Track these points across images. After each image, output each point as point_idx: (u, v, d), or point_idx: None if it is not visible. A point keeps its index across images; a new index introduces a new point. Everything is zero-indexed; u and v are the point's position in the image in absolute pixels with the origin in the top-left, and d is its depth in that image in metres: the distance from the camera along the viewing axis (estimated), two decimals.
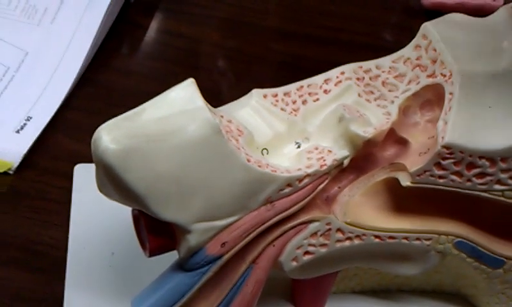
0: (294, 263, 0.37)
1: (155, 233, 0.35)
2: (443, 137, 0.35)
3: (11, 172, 0.47)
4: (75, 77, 0.52)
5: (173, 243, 0.36)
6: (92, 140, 0.34)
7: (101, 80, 0.54)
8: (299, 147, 0.38)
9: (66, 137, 0.49)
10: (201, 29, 0.59)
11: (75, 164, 0.47)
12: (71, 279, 0.40)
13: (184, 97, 0.35)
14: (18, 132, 0.49)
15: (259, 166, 0.35)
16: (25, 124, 0.49)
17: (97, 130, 0.34)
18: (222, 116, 0.36)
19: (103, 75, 0.54)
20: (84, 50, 0.54)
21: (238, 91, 0.40)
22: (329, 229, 0.37)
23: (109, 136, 0.34)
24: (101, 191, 0.36)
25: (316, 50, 0.58)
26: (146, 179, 0.34)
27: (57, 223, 0.44)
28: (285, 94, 0.39)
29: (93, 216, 0.43)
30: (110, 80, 0.54)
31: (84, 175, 0.46)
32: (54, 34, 0.55)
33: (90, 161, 0.46)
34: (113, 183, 0.34)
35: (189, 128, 0.34)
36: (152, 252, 0.36)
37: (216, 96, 0.36)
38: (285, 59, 0.58)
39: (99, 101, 0.52)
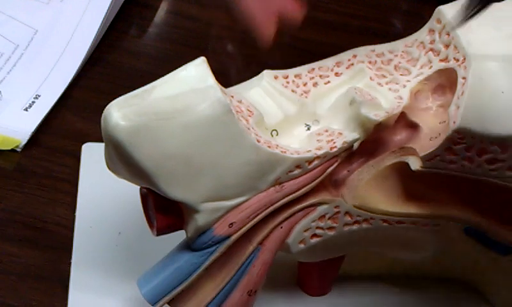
0: (302, 246, 0.37)
1: (163, 211, 0.35)
2: (454, 122, 0.35)
3: (18, 149, 0.47)
4: (84, 56, 0.52)
5: (181, 222, 0.36)
6: (102, 116, 0.34)
7: (110, 60, 0.54)
8: (308, 129, 0.38)
9: (74, 116, 0.49)
10: (211, 11, 0.59)
11: (83, 143, 0.47)
12: (77, 258, 0.40)
13: (194, 76, 0.35)
14: (26, 110, 0.49)
15: (269, 147, 0.35)
16: (33, 102, 0.49)
17: (107, 107, 0.34)
18: (232, 96, 0.36)
19: (112, 55, 0.54)
20: (93, 29, 0.53)
21: (246, 75, 0.39)
22: (338, 212, 0.37)
23: (119, 113, 0.33)
24: (109, 168, 0.36)
25: (326, 35, 0.58)
26: (155, 156, 0.34)
27: (64, 202, 0.44)
28: (296, 76, 0.38)
29: (100, 195, 0.43)
30: (119, 60, 0.54)
31: (91, 154, 0.46)
32: (64, 13, 0.55)
33: (98, 140, 0.46)
34: (122, 160, 0.34)
35: (200, 107, 0.34)
36: (160, 231, 0.36)
37: (224, 79, 0.36)
38: (295, 44, 0.57)
39: (107, 81, 0.52)
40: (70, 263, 0.40)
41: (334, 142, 0.36)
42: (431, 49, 0.38)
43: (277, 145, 0.36)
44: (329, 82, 0.38)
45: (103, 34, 0.55)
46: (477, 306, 0.41)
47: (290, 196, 0.36)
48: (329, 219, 0.37)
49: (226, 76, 0.54)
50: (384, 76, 0.38)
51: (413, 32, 0.39)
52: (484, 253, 0.39)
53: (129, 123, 0.33)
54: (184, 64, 0.36)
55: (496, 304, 0.41)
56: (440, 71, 0.37)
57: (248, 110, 0.36)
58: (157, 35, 0.57)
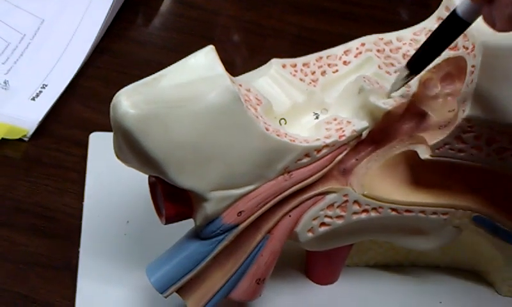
0: (310, 234, 0.37)
1: (172, 200, 0.35)
2: (464, 110, 0.35)
3: (26, 139, 0.47)
4: (90, 45, 0.52)
5: (190, 211, 0.36)
6: (111, 104, 0.34)
7: (116, 49, 0.54)
8: (317, 118, 0.38)
9: (81, 106, 0.49)
10: (217, 1, 0.59)
11: (90, 132, 0.47)
12: (86, 246, 0.41)
13: (203, 64, 0.35)
14: (33, 99, 0.49)
15: (277, 135, 0.35)
16: (40, 91, 0.49)
17: (116, 95, 0.34)
18: (240, 85, 0.36)
19: (118, 44, 0.54)
20: (100, 19, 0.53)
21: (253, 64, 0.39)
22: (346, 201, 0.37)
23: (129, 101, 0.33)
24: (118, 157, 0.36)
25: (332, 23, 0.58)
26: (164, 145, 0.34)
27: (72, 191, 0.44)
28: (304, 64, 0.38)
29: (108, 184, 0.43)
30: (125, 50, 0.54)
31: (99, 143, 0.46)
32: (71, 3, 0.55)
33: (105, 130, 0.46)
34: (131, 148, 0.34)
35: (209, 96, 0.34)
36: (168, 220, 0.36)
37: (230, 68, 0.35)
38: (301, 33, 0.57)
39: (114, 70, 0.52)
40: (78, 252, 0.40)
41: (343, 131, 0.36)
42: None
43: (286, 134, 0.36)
44: (337, 70, 0.38)
45: (109, 24, 0.55)
46: (485, 295, 0.41)
47: (299, 185, 0.36)
48: (337, 207, 0.37)
49: (233, 65, 0.54)
50: (392, 64, 0.38)
51: (419, 21, 0.39)
52: (492, 242, 0.39)
53: (138, 112, 0.33)
54: (190, 54, 0.36)
55: (504, 293, 0.41)
56: (449, 60, 0.37)
57: (257, 98, 0.36)
58: (163, 24, 0.57)
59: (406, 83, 0.36)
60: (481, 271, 0.42)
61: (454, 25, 0.33)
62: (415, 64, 0.35)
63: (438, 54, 0.35)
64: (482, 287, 0.42)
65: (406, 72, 0.35)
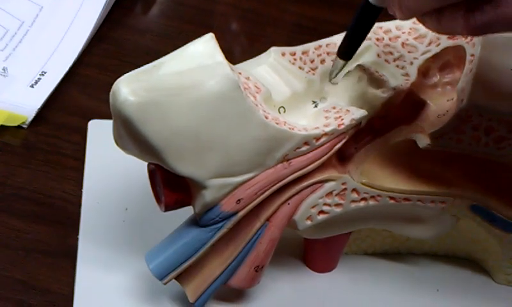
0: (308, 222, 0.37)
1: (171, 187, 0.36)
2: (463, 100, 0.35)
3: (25, 126, 0.47)
4: (89, 33, 0.52)
5: (189, 198, 0.36)
6: (111, 92, 0.34)
7: (115, 37, 0.54)
8: (316, 106, 0.38)
9: (80, 93, 0.49)
10: None
11: (89, 119, 0.47)
12: (85, 233, 0.41)
13: (203, 52, 0.35)
14: (32, 86, 0.49)
15: (277, 123, 0.35)
16: (39, 79, 0.49)
17: (116, 82, 0.34)
18: (240, 73, 0.36)
19: (117, 32, 0.54)
20: (98, 7, 0.53)
21: (252, 53, 0.39)
22: (345, 189, 0.37)
23: (128, 88, 0.33)
24: (117, 144, 0.36)
25: (332, 12, 0.58)
26: (163, 132, 0.34)
27: (71, 178, 0.44)
28: (304, 53, 0.38)
29: (107, 172, 0.44)
30: (124, 37, 0.54)
31: (98, 131, 0.46)
32: None
33: (104, 117, 0.46)
34: (131, 135, 0.34)
35: (208, 83, 0.34)
36: (168, 207, 0.36)
37: (229, 57, 0.35)
38: (300, 22, 0.57)
39: (113, 58, 0.52)
40: (77, 239, 0.40)
41: (342, 119, 0.36)
42: None
43: (285, 122, 0.36)
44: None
45: (108, 11, 0.54)
46: (482, 284, 0.41)
47: (298, 173, 0.36)
48: (336, 195, 0.37)
49: (232, 54, 0.54)
50: (391, 53, 0.38)
51: None
52: (489, 231, 0.39)
53: (138, 99, 0.33)
54: (189, 42, 0.36)
55: (501, 282, 0.41)
56: (448, 49, 0.37)
57: (256, 86, 0.36)
58: (162, 12, 0.57)
59: (342, 69, 0.37)
60: (478, 259, 0.42)
61: (369, 12, 0.35)
62: (344, 51, 0.36)
63: (362, 39, 0.36)
64: (478, 275, 0.42)
65: (339, 61, 0.37)
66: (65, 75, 0.50)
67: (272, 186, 0.36)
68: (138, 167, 0.38)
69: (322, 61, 0.38)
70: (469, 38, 0.36)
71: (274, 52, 0.38)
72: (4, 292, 0.38)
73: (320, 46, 0.39)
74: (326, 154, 0.36)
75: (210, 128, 0.34)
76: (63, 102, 0.49)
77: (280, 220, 0.37)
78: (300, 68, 0.38)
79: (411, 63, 0.38)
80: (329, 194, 0.37)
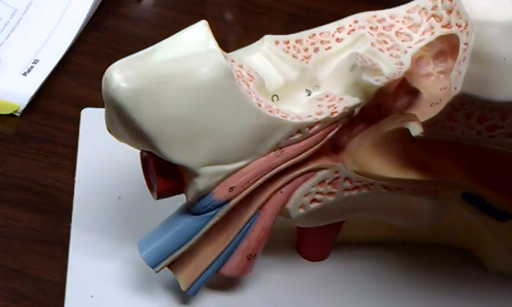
0: (301, 211, 0.37)
1: (164, 175, 0.35)
2: (456, 88, 0.35)
3: (17, 114, 0.47)
4: (82, 21, 0.52)
5: (181, 186, 0.36)
6: (103, 78, 0.34)
7: (109, 26, 0.53)
8: (309, 95, 0.38)
9: (73, 82, 0.49)
10: None
11: (82, 108, 0.47)
12: (77, 222, 0.41)
13: (196, 39, 0.35)
14: (25, 74, 0.49)
15: (270, 111, 0.35)
16: (32, 67, 0.49)
17: (108, 69, 0.34)
18: (233, 61, 0.36)
19: (110, 21, 0.54)
20: None
21: (246, 42, 0.39)
22: (337, 178, 0.37)
23: (121, 75, 0.33)
24: (110, 131, 0.36)
25: (327, 2, 0.58)
26: (156, 120, 0.34)
27: (63, 166, 0.44)
28: (297, 41, 0.38)
29: (100, 160, 0.43)
30: (117, 26, 0.54)
31: (90, 119, 0.46)
32: None
33: (97, 106, 0.46)
34: (123, 122, 0.34)
35: (201, 71, 0.34)
36: (160, 195, 0.36)
37: (223, 45, 0.35)
38: (295, 11, 0.57)
39: (106, 47, 0.52)
40: (69, 227, 0.40)
41: (335, 108, 0.36)
42: (433, 15, 0.38)
43: (278, 110, 0.36)
44: (330, 47, 0.38)
45: (101, 0, 0.54)
46: (474, 273, 0.42)
47: (291, 161, 0.36)
48: (329, 184, 0.37)
49: (226, 43, 0.54)
50: (385, 42, 0.38)
51: (411, 0, 0.39)
52: (482, 219, 0.39)
53: (130, 86, 0.33)
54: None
55: (493, 271, 0.41)
56: (442, 37, 0.37)
57: (249, 74, 0.36)
58: (156, 1, 0.57)
59: None
60: (470, 248, 0.42)
61: None
62: None
63: None
64: (471, 264, 0.42)
65: None
66: (58, 64, 0.50)
67: (265, 174, 0.36)
68: (131, 155, 0.38)
69: (316, 50, 0.38)
70: (463, 26, 0.36)
71: (267, 40, 0.38)
72: None
73: (314, 34, 0.39)
74: (319, 142, 0.36)
75: (202, 116, 0.34)
76: (55, 91, 0.48)
77: (273, 209, 0.37)
78: (294, 56, 0.38)
79: (405, 52, 0.38)
80: (322, 182, 0.37)
